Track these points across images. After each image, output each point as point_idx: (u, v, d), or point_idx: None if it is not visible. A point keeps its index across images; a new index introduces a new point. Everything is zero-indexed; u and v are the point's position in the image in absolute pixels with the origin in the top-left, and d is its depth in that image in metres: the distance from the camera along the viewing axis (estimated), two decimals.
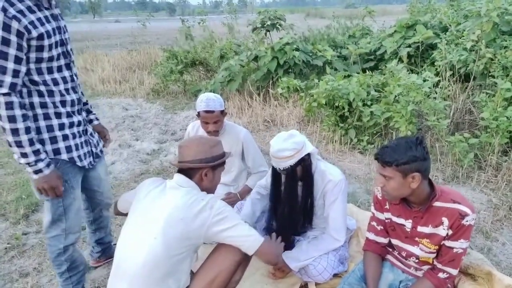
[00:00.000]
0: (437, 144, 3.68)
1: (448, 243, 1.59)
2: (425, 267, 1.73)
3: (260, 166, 2.72)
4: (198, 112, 2.49)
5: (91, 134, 1.96)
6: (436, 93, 3.66)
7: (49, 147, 1.67)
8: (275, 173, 2.09)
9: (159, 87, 6.88)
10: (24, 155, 1.56)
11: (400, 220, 1.71)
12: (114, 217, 2.73)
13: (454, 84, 4.28)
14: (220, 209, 1.50)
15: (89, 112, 2.06)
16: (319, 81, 4.30)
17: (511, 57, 3.64)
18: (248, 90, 5.86)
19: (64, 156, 1.72)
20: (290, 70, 5.59)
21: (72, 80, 1.76)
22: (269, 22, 6.67)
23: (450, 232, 1.57)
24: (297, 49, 5.54)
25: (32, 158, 1.57)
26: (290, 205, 2.09)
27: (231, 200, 2.64)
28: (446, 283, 1.64)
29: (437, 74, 4.33)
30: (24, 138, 1.53)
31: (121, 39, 14.82)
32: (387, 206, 1.76)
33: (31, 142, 1.55)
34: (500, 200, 2.89)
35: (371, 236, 1.86)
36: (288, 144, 1.91)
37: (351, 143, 4.07)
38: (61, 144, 1.71)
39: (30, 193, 3.21)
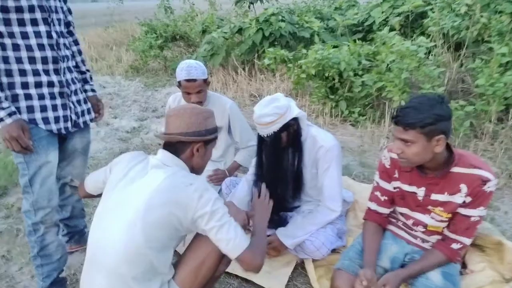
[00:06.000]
0: None
1: (464, 211, 1.43)
2: (433, 238, 1.58)
3: (249, 140, 2.52)
4: (179, 82, 2.25)
5: (77, 101, 1.77)
6: (430, 60, 3.50)
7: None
8: (260, 141, 1.92)
9: (138, 64, 6.54)
10: None
11: (412, 188, 1.54)
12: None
13: (447, 51, 4.13)
14: (209, 202, 1.25)
15: (85, 81, 1.91)
16: (307, 52, 4.09)
17: (507, 22, 3.50)
18: (232, 65, 5.59)
19: (24, 116, 1.56)
20: (276, 43, 5.32)
21: (50, 37, 1.58)
22: None
23: (469, 199, 1.41)
24: (283, 20, 5.27)
25: None
26: (273, 175, 1.90)
27: (219, 176, 2.47)
28: (458, 254, 1.50)
29: None
30: None
31: (97, 18, 14.14)
32: (396, 175, 1.58)
33: None
34: (499, 169, 2.78)
35: (373, 206, 1.70)
36: (270, 109, 1.73)
37: (342, 116, 3.90)
38: (22, 103, 1.55)
39: None
